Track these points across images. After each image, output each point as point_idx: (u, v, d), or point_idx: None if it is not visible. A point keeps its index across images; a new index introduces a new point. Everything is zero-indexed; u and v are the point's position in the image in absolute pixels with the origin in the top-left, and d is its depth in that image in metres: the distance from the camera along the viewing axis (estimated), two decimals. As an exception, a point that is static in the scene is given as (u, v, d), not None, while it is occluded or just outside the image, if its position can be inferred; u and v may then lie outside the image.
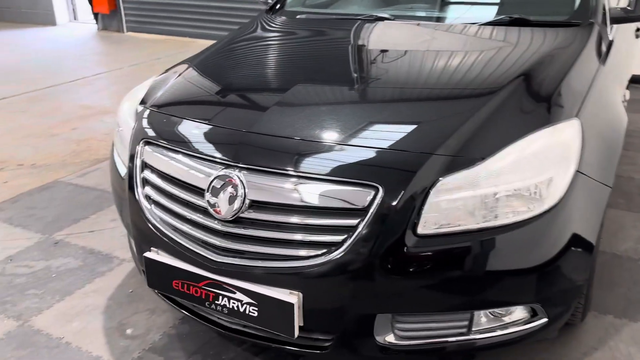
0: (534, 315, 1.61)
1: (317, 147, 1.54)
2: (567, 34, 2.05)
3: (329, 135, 1.58)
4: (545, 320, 1.61)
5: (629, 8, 2.23)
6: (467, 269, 1.47)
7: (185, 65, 2.22)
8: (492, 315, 1.60)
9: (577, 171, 1.54)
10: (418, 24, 2.28)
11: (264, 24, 2.57)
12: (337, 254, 1.45)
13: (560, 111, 1.64)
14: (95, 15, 8.57)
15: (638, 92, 4.97)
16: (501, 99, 1.64)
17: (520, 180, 1.47)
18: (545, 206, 1.48)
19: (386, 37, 2.22)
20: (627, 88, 3.23)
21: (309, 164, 1.51)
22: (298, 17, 2.60)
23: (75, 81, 5.65)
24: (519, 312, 1.61)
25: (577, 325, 2.00)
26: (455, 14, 2.36)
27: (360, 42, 2.20)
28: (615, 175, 3.21)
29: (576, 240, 1.56)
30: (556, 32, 2.07)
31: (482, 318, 1.59)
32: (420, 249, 1.45)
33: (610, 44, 2.20)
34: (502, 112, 1.61)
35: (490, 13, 2.27)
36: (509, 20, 2.18)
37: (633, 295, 2.20)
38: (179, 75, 2.12)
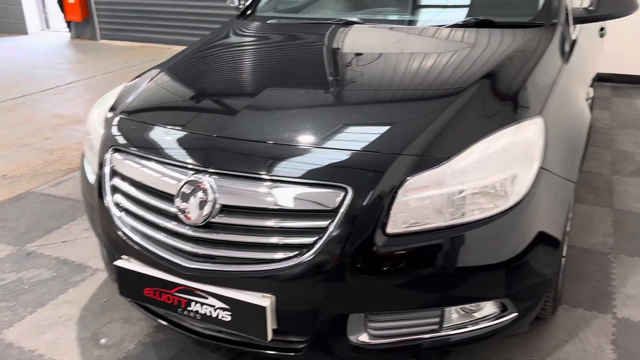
0: (504, 310, 1.64)
1: (287, 150, 1.55)
2: (531, 34, 2.10)
3: (298, 138, 1.59)
4: (515, 314, 1.64)
5: (591, 8, 2.29)
6: (436, 266, 1.50)
7: (156, 71, 2.21)
8: (463, 311, 1.63)
9: (541, 168, 1.58)
10: (388, 28, 2.31)
11: (235, 29, 2.58)
12: (308, 255, 1.46)
13: (524, 110, 1.67)
14: (68, 23, 8.46)
15: (605, 90, 5.10)
16: (466, 99, 1.68)
17: (484, 178, 1.50)
18: (510, 202, 1.51)
19: (355, 40, 2.24)
20: (592, 86, 3.31)
21: (279, 167, 1.52)
22: (269, 22, 2.61)
23: (48, 90, 5.57)
24: (489, 308, 1.64)
25: (549, 319, 2.04)
26: (423, 17, 2.39)
27: (329, 46, 2.22)
28: (585, 171, 3.32)
29: (542, 235, 1.60)
30: (520, 32, 2.12)
31: (454, 314, 1.62)
32: (390, 248, 1.47)
33: (573, 43, 2.26)
34: (467, 111, 1.64)
35: (456, 15, 2.32)
36: (475, 22, 2.22)
37: (602, 287, 2.25)
38: (149, 81, 2.12)
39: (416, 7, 2.55)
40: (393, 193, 1.47)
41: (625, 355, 1.89)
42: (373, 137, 1.59)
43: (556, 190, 1.65)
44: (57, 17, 8.89)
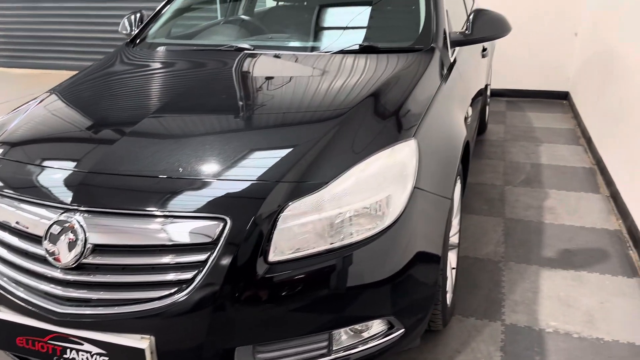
0: (391, 327, 1.67)
1: (161, 183, 1.51)
2: (410, 59, 2.20)
3: (173, 170, 1.55)
4: (402, 330, 1.67)
5: (467, 32, 2.43)
6: (321, 290, 1.51)
7: (33, 104, 2.09)
8: (352, 332, 1.64)
9: (416, 187, 1.64)
10: (275, 55, 2.34)
11: (122, 57, 2.50)
12: (187, 291, 1.42)
13: (398, 132, 1.74)
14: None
15: (500, 104, 5.45)
16: (344, 124, 1.72)
17: (361, 200, 1.54)
18: (387, 222, 1.56)
19: (241, 67, 2.24)
20: (484, 102, 3.50)
21: (152, 201, 1.47)
22: (158, 49, 2.56)
23: None
24: (376, 326, 1.66)
25: (442, 330, 2.11)
26: (310, 44, 2.44)
27: (214, 73, 2.20)
28: (480, 183, 3.50)
29: (421, 251, 1.66)
30: (401, 57, 2.21)
31: (343, 336, 1.63)
32: (272, 276, 1.46)
33: (451, 66, 2.39)
34: (345, 136, 1.68)
35: (342, 42, 2.38)
36: (358, 48, 2.30)
37: (494, 295, 2.37)
38: (24, 114, 2.00)
39: (305, 34, 2.61)
40: (273, 221, 1.47)
41: None
42: (252, 166, 1.58)
43: (432, 207, 1.72)
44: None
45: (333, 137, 1.67)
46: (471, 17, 2.41)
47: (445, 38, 2.41)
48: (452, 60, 2.42)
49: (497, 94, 5.64)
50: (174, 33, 2.86)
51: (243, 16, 3.11)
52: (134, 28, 2.92)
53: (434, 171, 1.77)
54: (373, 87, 1.94)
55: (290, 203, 1.48)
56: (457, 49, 2.54)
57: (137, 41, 2.69)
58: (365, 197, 1.54)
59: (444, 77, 2.24)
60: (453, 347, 2.06)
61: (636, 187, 2.87)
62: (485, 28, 2.42)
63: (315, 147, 1.62)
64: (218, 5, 3.92)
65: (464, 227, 2.95)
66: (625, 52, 3.43)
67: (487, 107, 4.59)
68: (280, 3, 3.56)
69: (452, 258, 2.28)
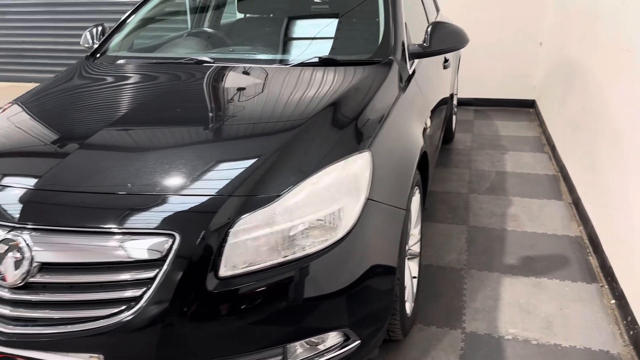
0: (347, 339, 1.68)
1: (109, 199, 1.50)
2: (368, 71, 2.22)
3: (122, 185, 1.54)
4: (358, 342, 1.68)
5: (425, 44, 2.47)
6: (275, 304, 1.51)
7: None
8: (308, 344, 1.65)
9: (369, 199, 1.66)
10: (234, 67, 2.34)
11: (81, 70, 2.48)
12: (136, 309, 1.41)
13: (352, 144, 1.75)
14: None
15: (468, 113, 5.53)
16: (297, 138, 1.73)
17: (313, 213, 1.55)
18: (340, 234, 1.57)
19: (199, 81, 2.24)
20: (434, 115, 3.50)
21: (101, 218, 1.46)
22: (117, 62, 2.55)
23: None
24: (332, 338, 1.67)
25: (403, 340, 2.12)
26: (271, 57, 2.45)
27: (170, 87, 2.19)
28: (445, 192, 3.54)
29: (376, 262, 1.67)
30: (359, 70, 2.23)
31: (298, 349, 1.63)
32: (223, 291, 1.46)
33: (410, 77, 2.42)
34: (298, 149, 1.69)
35: (302, 55, 2.40)
36: (318, 61, 2.32)
37: (455, 303, 2.40)
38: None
39: (266, 46, 2.62)
40: (224, 235, 1.47)
41: (471, 367, 2.01)
42: (203, 180, 1.58)
43: (386, 218, 1.74)
44: None
45: (286, 150, 1.68)
46: (429, 29, 2.45)
47: (404, 50, 2.45)
48: (410, 72, 2.45)
49: (466, 103, 5.73)
50: (137, 45, 2.85)
51: (207, 29, 3.11)
52: (95, 41, 2.90)
53: (388, 182, 1.79)
54: (329, 100, 1.96)
55: (241, 217, 1.48)
56: (416, 61, 2.58)
57: (98, 55, 2.67)
58: (318, 209, 1.55)
59: (402, 89, 2.27)
60: (413, 356, 2.07)
61: (596, 194, 2.94)
62: (443, 40, 2.46)
63: (268, 160, 1.63)
64: (188, 17, 3.92)
65: (428, 235, 2.98)
66: (584, 61, 3.52)
67: (455, 117, 4.66)
68: (246, 15, 3.58)
69: (413, 267, 2.30)
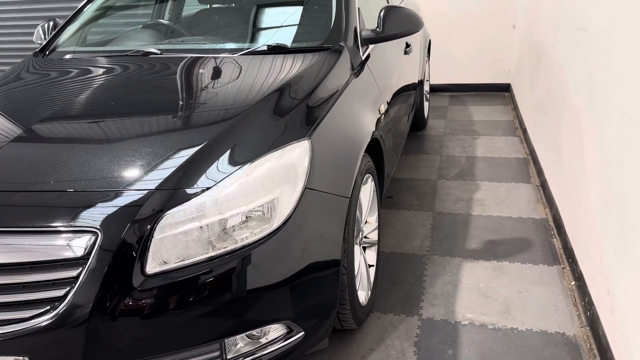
0: (290, 331, 1.66)
1: (29, 196, 1.46)
2: (317, 58, 2.18)
3: (44, 182, 1.50)
4: (302, 333, 1.66)
5: (378, 30, 2.43)
6: (208, 299, 1.47)
7: None
8: (249, 338, 1.62)
9: (307, 188, 1.62)
10: (181, 57, 2.29)
11: (27, 67, 2.43)
12: (60, 309, 1.37)
13: (292, 133, 1.72)
14: None
15: (443, 99, 5.50)
16: (235, 127, 1.69)
17: (245, 204, 1.51)
18: (275, 224, 1.54)
19: (141, 73, 2.19)
20: (395, 101, 3.45)
21: (21, 216, 1.42)
22: (66, 57, 2.49)
23: None
24: (274, 331, 1.64)
25: (359, 329, 2.10)
26: (220, 46, 2.41)
27: (110, 80, 2.13)
28: (414, 179, 3.51)
29: (318, 252, 1.64)
30: (307, 57, 2.19)
31: (239, 343, 1.60)
32: (152, 288, 1.42)
33: (363, 64, 2.38)
34: (234, 139, 1.65)
35: (251, 43, 2.36)
36: (267, 49, 2.27)
37: (414, 290, 2.37)
38: None
39: (218, 36, 2.57)
40: (150, 231, 1.43)
41: (425, 355, 1.99)
42: (129, 175, 1.54)
43: (327, 207, 1.71)
44: None
45: (220, 140, 1.64)
46: (382, 14, 2.40)
47: (355, 36, 2.41)
48: (363, 58, 2.41)
49: (441, 89, 5.70)
50: (90, 40, 2.79)
51: (162, 20, 3.05)
52: (47, 37, 2.84)
53: (330, 170, 1.76)
54: (272, 88, 1.92)
55: (167, 212, 1.45)
56: (371, 46, 2.54)
57: (47, 51, 2.62)
58: (250, 200, 1.52)
59: (354, 74, 2.23)
60: (367, 345, 2.05)
61: (560, 175, 2.93)
62: (397, 25, 2.42)
63: (200, 152, 1.59)
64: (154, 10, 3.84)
65: (392, 223, 2.96)
66: (550, 43, 3.49)
67: (427, 103, 4.62)
68: (210, 6, 3.52)
69: (370, 255, 2.28)
